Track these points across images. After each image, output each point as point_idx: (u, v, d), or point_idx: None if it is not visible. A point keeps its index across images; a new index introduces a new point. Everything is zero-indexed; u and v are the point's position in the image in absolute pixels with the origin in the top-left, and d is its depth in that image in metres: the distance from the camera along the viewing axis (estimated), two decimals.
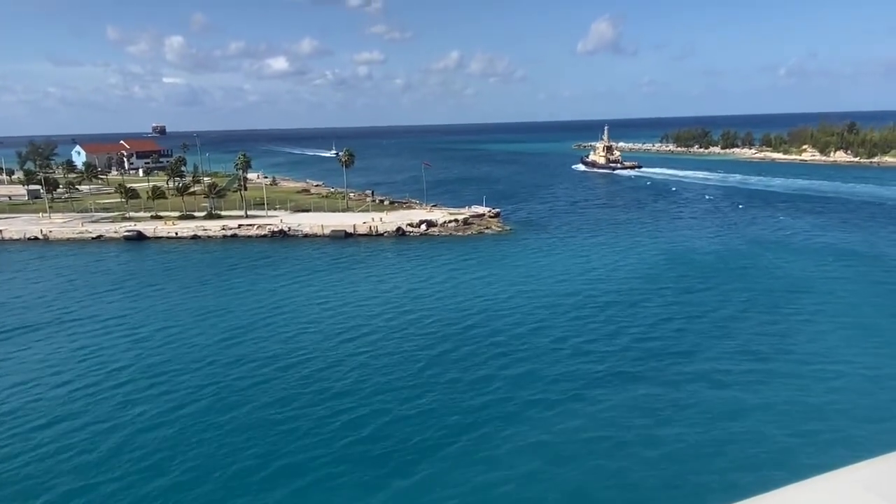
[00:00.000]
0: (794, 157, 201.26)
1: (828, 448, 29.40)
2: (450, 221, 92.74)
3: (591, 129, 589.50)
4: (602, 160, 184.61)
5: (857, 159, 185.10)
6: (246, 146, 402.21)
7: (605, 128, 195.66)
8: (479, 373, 39.45)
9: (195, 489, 27.56)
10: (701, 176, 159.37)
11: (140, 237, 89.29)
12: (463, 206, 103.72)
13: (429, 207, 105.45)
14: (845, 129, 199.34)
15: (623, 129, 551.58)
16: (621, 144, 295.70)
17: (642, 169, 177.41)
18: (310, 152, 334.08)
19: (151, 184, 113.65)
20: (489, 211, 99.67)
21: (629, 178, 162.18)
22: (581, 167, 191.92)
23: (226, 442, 31.44)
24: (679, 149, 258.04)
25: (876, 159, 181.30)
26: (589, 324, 48.19)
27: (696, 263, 67.13)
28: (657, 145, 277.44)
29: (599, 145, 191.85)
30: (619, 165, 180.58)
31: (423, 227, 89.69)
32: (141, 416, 34.32)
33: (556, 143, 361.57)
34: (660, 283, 59.54)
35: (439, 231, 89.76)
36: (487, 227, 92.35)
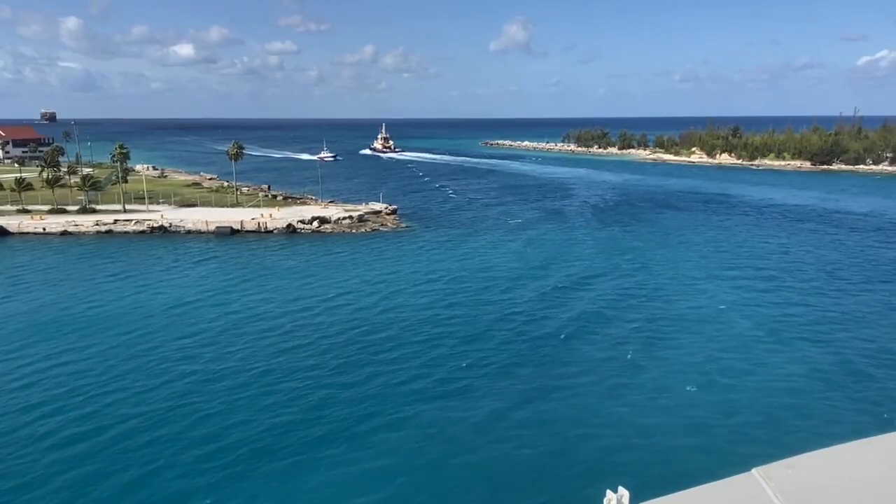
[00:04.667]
0: (683, 158, 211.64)
1: (730, 452, 29.60)
2: (344, 218, 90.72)
3: (504, 127, 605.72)
4: (380, 147, 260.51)
5: (739, 161, 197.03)
6: (155, 137, 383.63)
7: (384, 125, 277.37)
8: (350, 374, 38.13)
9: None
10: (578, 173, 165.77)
11: (2, 233, 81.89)
12: (361, 203, 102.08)
13: (324, 203, 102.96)
14: (730, 133, 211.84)
15: (531, 127, 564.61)
16: (526, 143, 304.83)
17: (404, 152, 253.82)
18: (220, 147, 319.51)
19: (15, 175, 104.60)
20: (386, 207, 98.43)
21: (401, 160, 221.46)
22: (368, 151, 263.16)
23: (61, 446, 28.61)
24: (580, 148, 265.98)
25: (756, 161, 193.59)
26: (455, 321, 47.93)
27: (561, 254, 68.66)
28: (559, 144, 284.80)
29: (380, 137, 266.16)
30: (390, 150, 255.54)
31: (316, 224, 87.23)
32: None
33: (467, 140, 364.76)
34: (534, 275, 60.33)
35: (332, 228, 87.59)
36: (383, 224, 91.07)
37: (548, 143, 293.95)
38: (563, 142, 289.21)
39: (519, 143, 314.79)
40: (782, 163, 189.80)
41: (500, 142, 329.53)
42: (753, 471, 3.99)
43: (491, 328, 47.26)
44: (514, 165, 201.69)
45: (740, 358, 41.59)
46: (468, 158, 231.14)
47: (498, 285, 58.95)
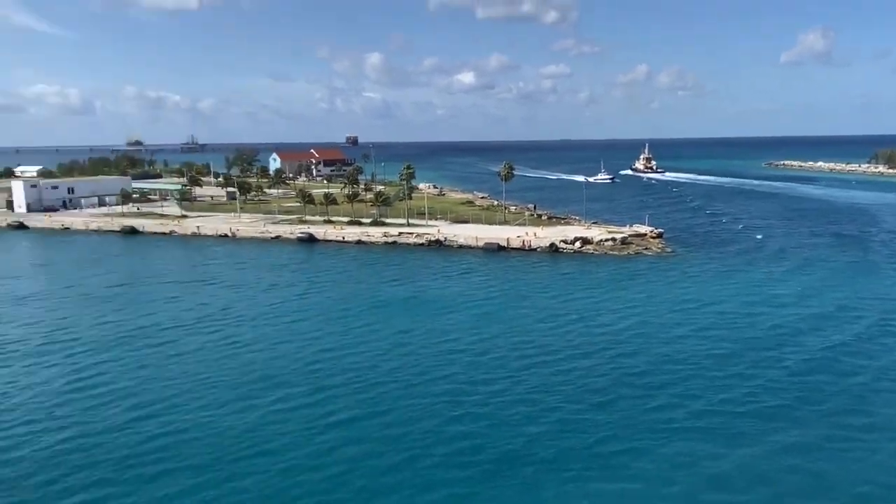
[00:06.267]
0: None
1: None
2: (607, 240, 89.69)
3: (790, 146, 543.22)
4: (642, 167, 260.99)
5: None
6: (436, 158, 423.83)
7: (646, 145, 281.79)
8: (598, 393, 37.65)
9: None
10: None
11: (311, 239, 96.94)
12: (624, 225, 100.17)
13: (587, 224, 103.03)
14: None
15: (825, 146, 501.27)
16: (819, 164, 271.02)
17: (666, 173, 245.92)
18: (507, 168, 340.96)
19: (324, 191, 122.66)
20: (651, 231, 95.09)
21: (663, 181, 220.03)
22: (629, 172, 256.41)
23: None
24: (891, 170, 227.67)
25: None
26: (724, 361, 44.06)
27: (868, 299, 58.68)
28: (864, 166, 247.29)
29: (642, 157, 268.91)
30: (651, 171, 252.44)
31: (578, 244, 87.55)
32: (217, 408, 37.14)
33: (746, 161, 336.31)
34: (819, 314, 52.89)
35: (594, 249, 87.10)
36: (647, 248, 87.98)
37: (848, 163, 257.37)
38: (868, 162, 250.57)
39: (810, 163, 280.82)
40: None
41: (787, 162, 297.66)
42: None
43: (756, 365, 42.84)
44: (804, 189, 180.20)
45: None
46: (746, 180, 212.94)
47: (770, 321, 52.99)
